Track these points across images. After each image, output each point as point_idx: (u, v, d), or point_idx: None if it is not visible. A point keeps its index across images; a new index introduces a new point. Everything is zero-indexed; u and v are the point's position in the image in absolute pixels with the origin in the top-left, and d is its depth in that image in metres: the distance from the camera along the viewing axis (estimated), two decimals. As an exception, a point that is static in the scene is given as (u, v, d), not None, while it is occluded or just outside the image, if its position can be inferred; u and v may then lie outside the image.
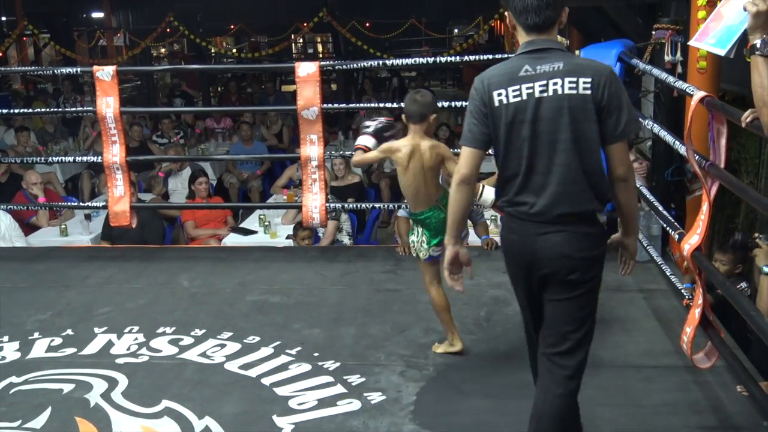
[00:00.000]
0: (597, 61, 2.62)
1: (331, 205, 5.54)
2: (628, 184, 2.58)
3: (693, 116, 3.26)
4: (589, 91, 2.47)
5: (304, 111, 5.13)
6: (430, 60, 5.19)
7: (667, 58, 4.80)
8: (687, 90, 3.53)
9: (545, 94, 2.49)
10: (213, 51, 18.11)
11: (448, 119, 10.79)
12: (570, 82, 2.47)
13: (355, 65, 5.51)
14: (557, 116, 2.49)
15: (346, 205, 5.90)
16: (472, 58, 5.77)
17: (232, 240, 6.65)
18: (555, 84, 2.48)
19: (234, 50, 19.92)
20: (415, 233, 3.80)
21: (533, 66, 2.51)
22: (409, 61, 5.23)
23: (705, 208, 3.16)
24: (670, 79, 4.11)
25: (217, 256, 5.62)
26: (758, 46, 2.32)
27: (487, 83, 2.58)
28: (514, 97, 2.52)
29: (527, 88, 2.50)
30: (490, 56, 5.13)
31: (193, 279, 5.05)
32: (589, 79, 2.47)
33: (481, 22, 16.06)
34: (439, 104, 5.65)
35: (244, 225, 7.13)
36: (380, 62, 5.26)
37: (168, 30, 16.02)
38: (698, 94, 3.28)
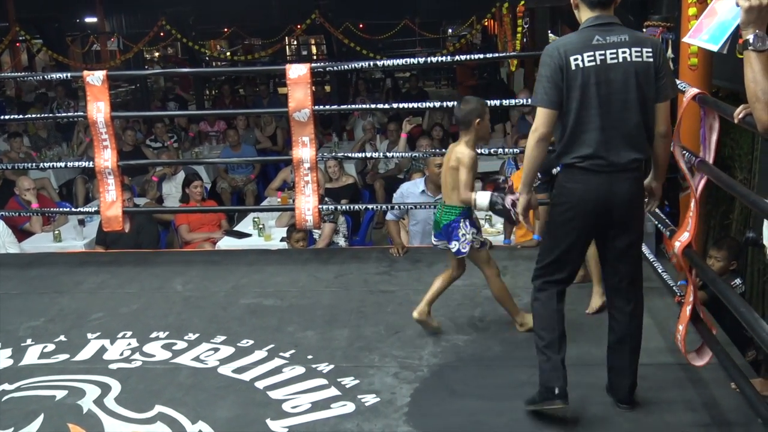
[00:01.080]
0: (649, 34, 3.13)
1: (325, 207, 5.52)
2: (667, 140, 3.08)
3: (684, 113, 3.26)
4: (651, 59, 2.95)
5: (296, 113, 5.11)
6: (421, 60, 5.17)
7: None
8: (679, 87, 3.51)
9: (615, 60, 2.94)
10: (207, 54, 18.09)
11: (443, 119, 10.78)
12: (636, 51, 2.94)
13: (345, 66, 5.51)
14: (627, 79, 2.94)
15: (339, 207, 5.88)
16: (462, 57, 5.79)
17: (227, 243, 6.64)
18: (624, 53, 2.93)
19: (228, 53, 19.93)
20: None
21: (603, 36, 2.95)
22: (399, 61, 5.22)
23: (693, 205, 3.15)
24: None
25: (211, 259, 5.60)
26: (751, 41, 2.31)
27: (563, 50, 2.97)
28: (589, 61, 2.94)
29: (600, 55, 2.94)
30: (481, 55, 5.13)
31: (187, 283, 5.04)
32: (650, 49, 2.96)
33: (475, 21, 16.06)
34: (431, 105, 5.65)
35: (238, 228, 7.12)
36: (370, 63, 5.25)
37: (161, 34, 15.99)
38: (691, 91, 3.27)
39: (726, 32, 2.51)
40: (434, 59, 5.29)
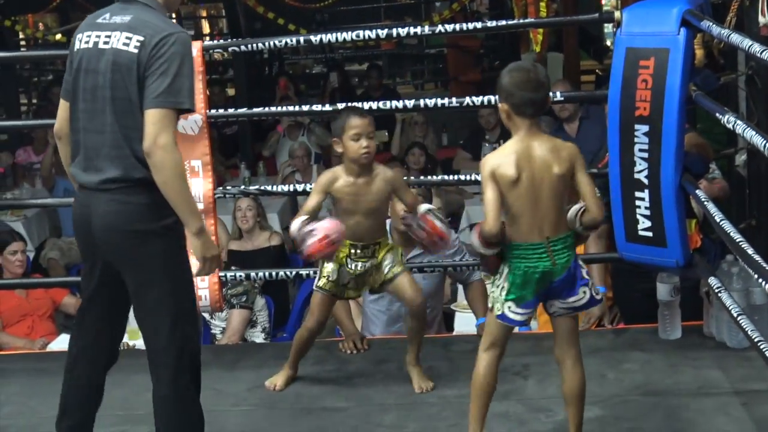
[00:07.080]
0: (171, 23, 4.02)
1: (232, 275, 5.76)
2: (153, 161, 3.73)
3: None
4: (136, 51, 3.77)
5: (180, 122, 5.41)
6: (382, 33, 5.45)
7: (762, 19, 5.08)
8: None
9: (106, 47, 3.83)
10: (22, 36, 18.36)
11: (425, 136, 11.14)
12: (126, 38, 3.79)
13: (260, 45, 5.81)
14: (108, 71, 3.81)
15: (255, 276, 6.12)
16: (455, 28, 6.09)
17: (65, 345, 6.82)
18: (116, 37, 3.80)
19: (58, 35, 20.21)
20: (500, 276, 4.18)
21: (112, 15, 3.90)
22: (349, 35, 5.49)
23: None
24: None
25: (40, 367, 5.80)
26: None
27: (80, 26, 3.99)
28: (85, 43, 3.91)
29: (96, 36, 3.88)
30: (491, 23, 5.46)
31: (1, 405, 5.26)
32: (142, 38, 3.77)
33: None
34: (408, 103, 5.98)
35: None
36: (300, 39, 5.53)
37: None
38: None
39: None
40: (405, 30, 5.57)
